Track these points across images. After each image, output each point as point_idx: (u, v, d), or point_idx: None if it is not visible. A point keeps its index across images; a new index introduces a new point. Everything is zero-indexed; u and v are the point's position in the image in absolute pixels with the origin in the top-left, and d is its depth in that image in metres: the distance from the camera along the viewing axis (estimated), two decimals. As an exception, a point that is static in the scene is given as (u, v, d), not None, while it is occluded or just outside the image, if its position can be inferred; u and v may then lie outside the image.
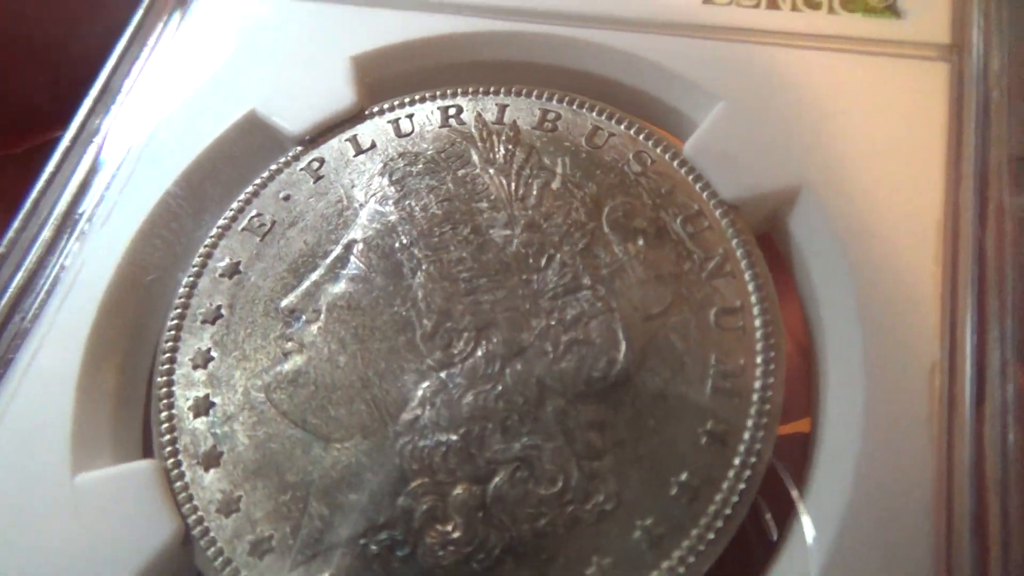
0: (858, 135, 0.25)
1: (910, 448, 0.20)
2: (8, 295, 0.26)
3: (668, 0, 0.28)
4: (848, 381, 0.22)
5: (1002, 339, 0.21)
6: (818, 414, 0.22)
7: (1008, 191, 0.22)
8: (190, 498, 0.23)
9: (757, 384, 0.22)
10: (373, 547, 0.22)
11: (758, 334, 0.23)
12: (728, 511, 0.21)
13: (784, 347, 0.23)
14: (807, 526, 0.20)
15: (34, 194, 0.27)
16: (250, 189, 0.27)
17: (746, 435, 0.22)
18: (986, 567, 0.19)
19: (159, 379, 0.25)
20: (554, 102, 0.27)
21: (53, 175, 0.27)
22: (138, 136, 0.29)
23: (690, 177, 0.25)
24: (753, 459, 0.21)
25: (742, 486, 0.21)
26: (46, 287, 0.26)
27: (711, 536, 0.21)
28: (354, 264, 0.26)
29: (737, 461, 0.21)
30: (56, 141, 0.30)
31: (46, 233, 0.26)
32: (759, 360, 0.22)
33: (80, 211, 0.27)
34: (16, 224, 0.26)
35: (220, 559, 0.22)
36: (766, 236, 0.25)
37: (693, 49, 0.27)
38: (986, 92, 0.24)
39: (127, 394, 0.25)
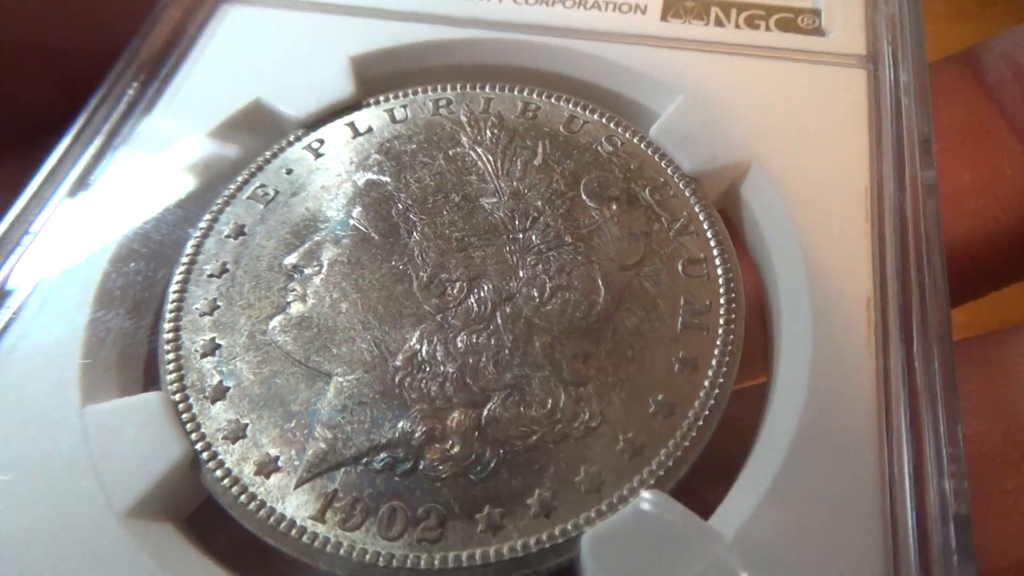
0: (797, 122, 0.29)
1: (852, 364, 0.23)
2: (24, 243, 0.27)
3: (631, 17, 0.32)
4: (799, 315, 0.25)
5: (919, 279, 0.24)
6: (774, 345, 0.25)
7: (920, 165, 0.27)
8: (197, 427, 0.24)
9: (721, 320, 0.25)
10: (376, 464, 0.23)
11: (720, 280, 0.26)
12: (700, 423, 0.23)
13: (743, 291, 0.26)
14: (770, 426, 0.23)
15: (52, 159, 0.29)
16: (254, 164, 0.30)
17: (714, 361, 0.24)
18: (920, 456, 0.21)
19: (166, 324, 0.26)
20: (534, 96, 0.31)
21: (71, 144, 0.29)
22: (147, 118, 0.31)
23: (656, 155, 0.29)
24: (720, 380, 0.24)
25: (712, 402, 0.24)
26: (59, 240, 0.27)
27: (686, 444, 0.23)
28: (354, 226, 0.28)
29: (707, 383, 0.24)
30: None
31: (63, 192, 0.28)
32: (722, 300, 0.25)
33: (92, 177, 0.29)
34: (35, 183, 0.28)
35: (227, 479, 0.23)
36: (721, 211, 0.29)
37: (655, 55, 0.31)
38: (896, 90, 0.29)
39: (132, 340, 0.27)
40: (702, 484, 0.23)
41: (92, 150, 0.29)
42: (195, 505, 0.24)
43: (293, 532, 0.22)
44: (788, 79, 0.30)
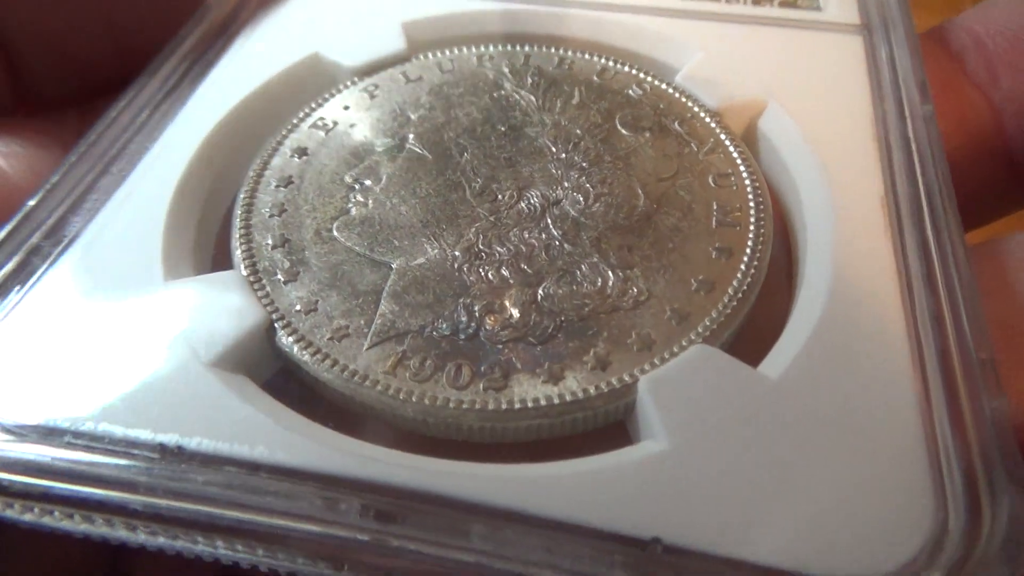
0: (804, 74, 0.32)
1: (873, 244, 0.26)
2: (104, 157, 0.29)
3: (653, -3, 0.37)
4: (822, 213, 0.27)
5: (926, 182, 0.27)
6: (800, 241, 0.28)
7: (919, 100, 0.30)
8: (272, 301, 0.26)
9: (752, 217, 0.28)
10: (440, 331, 0.25)
11: (748, 188, 0.29)
12: (740, 295, 0.25)
13: (768, 197, 0.29)
14: (806, 297, 0.25)
15: (133, 87, 0.31)
16: (314, 104, 0.32)
17: (748, 249, 0.27)
18: (939, 308, 0.24)
19: (238, 222, 0.28)
20: (568, 53, 0.34)
21: (147, 77, 0.32)
22: (215, 68, 0.34)
23: (682, 97, 0.32)
24: (755, 263, 0.26)
25: (748, 280, 0.26)
26: (141, 150, 0.29)
27: (728, 312, 0.25)
28: (409, 148, 0.31)
29: (743, 266, 0.26)
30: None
31: (143, 114, 0.30)
32: (751, 204, 0.28)
33: (171, 104, 0.31)
34: (116, 109, 0.30)
35: (302, 342, 0.25)
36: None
37: (676, 24, 0.35)
38: (890, 49, 0.33)
39: (205, 231, 0.29)
40: (745, 349, 0.25)
41: (168, 86, 0.32)
42: (271, 372, 0.25)
43: (367, 383, 0.24)
44: (793, 43, 0.34)
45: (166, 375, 0.23)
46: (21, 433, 0.22)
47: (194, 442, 0.22)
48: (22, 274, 0.26)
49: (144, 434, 0.22)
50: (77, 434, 0.22)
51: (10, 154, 0.31)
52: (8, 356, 0.24)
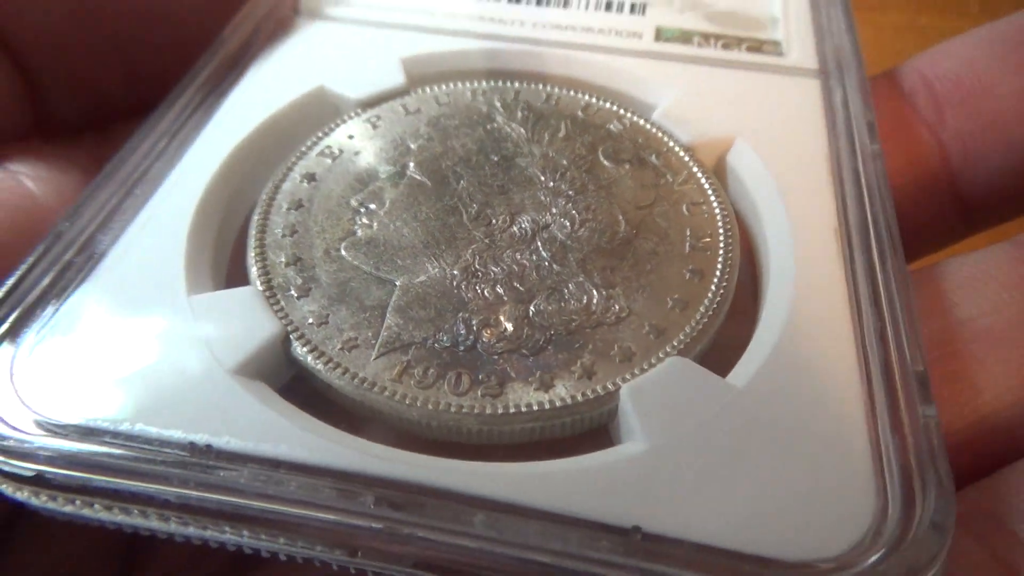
0: (767, 113, 0.36)
1: (827, 270, 0.29)
2: (124, 184, 0.31)
3: (630, 40, 0.40)
4: (782, 240, 0.31)
5: (873, 214, 0.31)
6: (764, 265, 0.31)
7: (868, 139, 0.34)
8: (287, 314, 0.28)
9: (721, 243, 0.31)
10: (441, 343, 0.28)
11: (718, 216, 0.32)
12: (710, 313, 0.28)
13: (736, 226, 0.32)
14: (768, 317, 0.28)
15: (148, 122, 0.33)
16: (320, 132, 0.35)
17: (717, 271, 0.30)
18: (883, 329, 0.27)
19: (252, 242, 0.30)
20: (555, 89, 0.37)
21: (161, 114, 0.34)
22: (225, 101, 0.36)
23: (658, 132, 0.35)
24: (724, 284, 0.29)
25: (719, 299, 0.29)
26: (159, 177, 0.32)
27: (700, 328, 0.28)
28: (410, 176, 0.33)
29: (713, 286, 0.29)
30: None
31: (159, 144, 0.33)
32: (720, 230, 0.31)
33: (182, 134, 0.34)
34: (136, 135, 0.33)
35: (315, 352, 0.27)
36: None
37: (651, 65, 0.38)
38: (844, 93, 0.36)
39: (221, 251, 0.31)
40: (715, 360, 0.28)
41: (185, 114, 0.34)
42: (286, 379, 0.28)
43: (376, 389, 0.26)
44: (758, 85, 0.38)
45: (193, 381, 0.26)
46: (63, 432, 0.24)
47: (221, 441, 0.24)
48: (57, 287, 0.28)
49: (176, 434, 0.24)
50: (115, 434, 0.24)
51: (37, 178, 0.33)
52: (49, 362, 0.26)
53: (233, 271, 0.31)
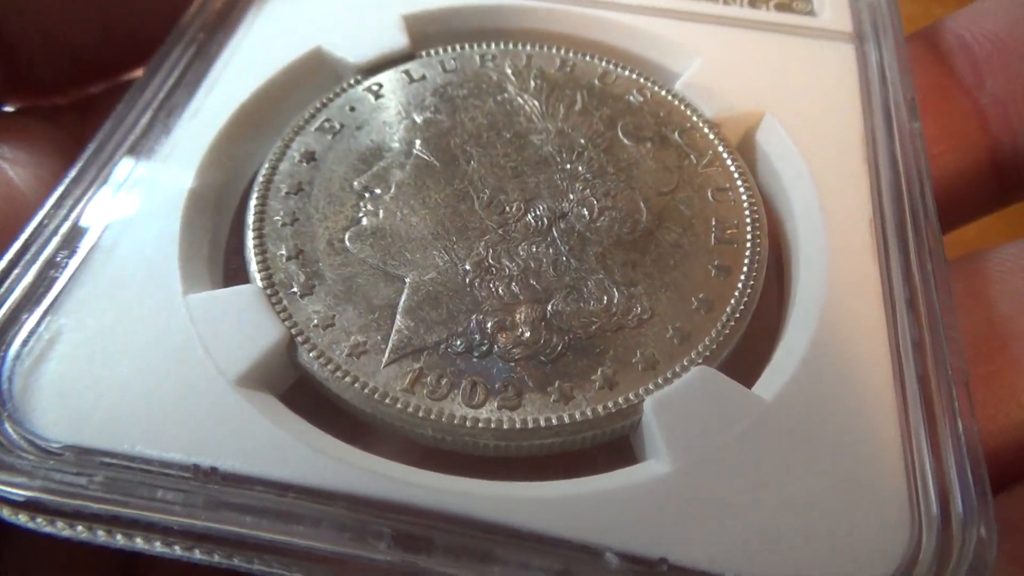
0: (798, 84, 0.33)
1: (862, 269, 0.28)
2: (110, 166, 0.29)
3: (652, -4, 0.37)
4: (814, 233, 0.29)
5: (911, 203, 0.29)
6: (792, 258, 0.29)
7: (907, 116, 0.32)
8: (290, 315, 0.26)
9: (748, 235, 0.29)
10: (455, 348, 0.26)
11: (744, 204, 0.30)
12: (737, 315, 0.27)
13: (764, 213, 0.30)
14: (798, 318, 0.27)
15: (132, 92, 0.31)
16: (319, 103, 0.32)
17: (744, 267, 0.28)
18: (920, 335, 0.26)
19: (251, 232, 0.28)
20: (570, 54, 0.35)
21: (145, 81, 0.31)
22: (216, 65, 0.33)
23: (681, 105, 0.33)
24: (751, 282, 0.28)
25: (745, 299, 0.27)
26: (148, 158, 0.29)
27: (727, 332, 0.27)
28: (416, 155, 0.31)
29: (740, 284, 0.28)
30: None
31: (143, 120, 0.30)
32: (748, 220, 0.29)
33: (172, 108, 0.31)
34: (115, 115, 0.30)
35: (322, 358, 0.26)
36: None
37: (675, 26, 0.35)
38: (880, 61, 0.34)
39: (217, 241, 0.29)
40: (741, 365, 0.27)
41: (169, 83, 0.32)
42: (289, 384, 0.26)
43: (387, 401, 0.25)
44: (788, 50, 0.35)
45: (194, 395, 0.24)
46: (59, 453, 0.23)
47: (226, 463, 0.23)
48: (40, 288, 0.26)
49: (178, 456, 0.23)
50: (113, 455, 0.23)
51: (14, 161, 0.30)
52: (39, 375, 0.24)
53: (231, 261, 0.29)
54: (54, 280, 0.26)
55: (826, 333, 0.26)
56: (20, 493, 0.22)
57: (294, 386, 0.27)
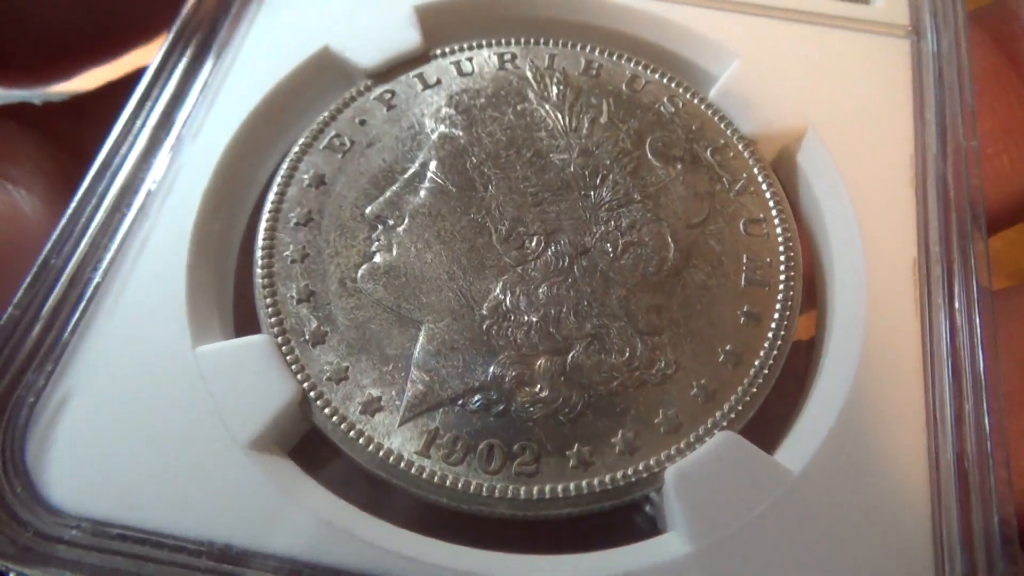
0: (845, 90, 0.31)
1: (901, 324, 0.26)
2: (109, 199, 0.28)
3: (689, -22, 0.33)
4: (852, 277, 0.27)
5: (961, 242, 0.27)
6: (827, 301, 0.28)
7: (962, 135, 0.29)
8: (302, 368, 0.26)
9: (782, 276, 0.27)
10: (472, 406, 0.25)
11: (779, 239, 0.28)
12: (766, 371, 0.26)
13: (800, 249, 0.28)
14: (829, 374, 0.26)
15: (128, 109, 0.29)
16: (327, 113, 0.30)
17: (776, 315, 0.27)
18: (960, 405, 0.24)
19: (260, 271, 0.27)
20: (596, 53, 0.32)
21: (143, 97, 0.29)
22: (216, 71, 0.31)
23: (715, 117, 0.30)
24: (783, 332, 0.26)
25: (775, 352, 0.26)
26: (148, 189, 0.28)
27: (754, 390, 0.26)
28: (431, 178, 0.29)
29: (770, 335, 0.26)
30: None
31: (141, 143, 0.29)
32: (782, 259, 0.28)
33: (171, 126, 0.29)
34: (114, 136, 0.28)
35: (336, 416, 0.25)
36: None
37: (711, 17, 0.32)
38: (938, 61, 0.31)
39: (225, 282, 0.28)
40: (766, 423, 0.26)
41: (161, 105, 0.30)
42: (299, 439, 0.26)
43: (402, 465, 0.24)
44: (836, 47, 0.32)
45: (206, 463, 0.24)
46: (71, 525, 0.23)
47: (240, 539, 0.23)
48: (48, 340, 0.25)
49: (191, 531, 0.23)
50: (126, 527, 0.23)
51: (17, 180, 0.29)
52: (49, 442, 0.24)
53: (239, 300, 0.28)
54: (61, 332, 0.25)
55: (859, 397, 0.25)
56: (33, 573, 0.22)
57: (308, 434, 0.26)
